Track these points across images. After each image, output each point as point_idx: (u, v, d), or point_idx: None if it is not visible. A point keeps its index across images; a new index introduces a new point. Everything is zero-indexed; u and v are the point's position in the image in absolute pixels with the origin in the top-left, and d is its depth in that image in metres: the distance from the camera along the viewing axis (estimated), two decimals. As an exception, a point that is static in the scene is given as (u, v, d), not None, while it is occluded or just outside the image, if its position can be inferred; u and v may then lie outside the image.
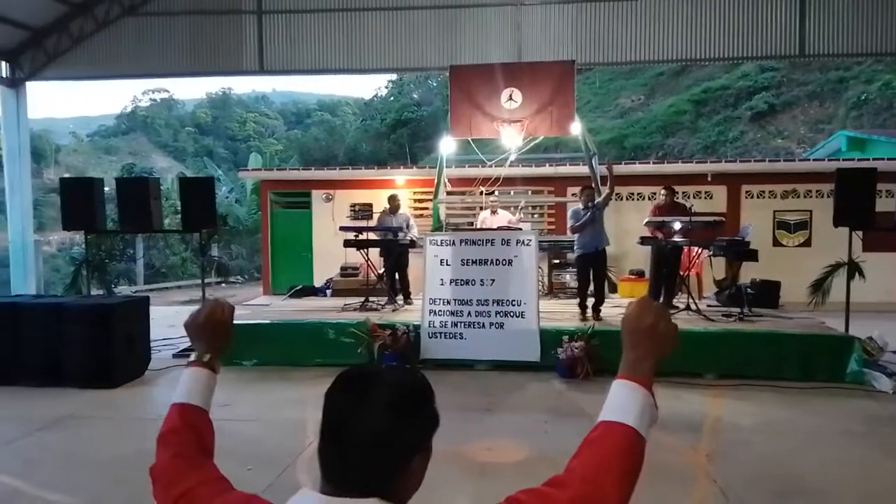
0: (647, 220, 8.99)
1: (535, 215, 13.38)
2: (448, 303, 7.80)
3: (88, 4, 13.27)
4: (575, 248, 8.53)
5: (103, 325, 7.27)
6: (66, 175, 11.33)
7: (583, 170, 10.93)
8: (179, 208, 10.31)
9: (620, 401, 1.08)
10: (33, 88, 14.24)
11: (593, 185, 9.30)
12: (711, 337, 7.33)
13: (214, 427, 1.30)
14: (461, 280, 7.83)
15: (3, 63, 13.56)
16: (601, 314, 8.16)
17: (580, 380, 6.98)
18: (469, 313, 7.76)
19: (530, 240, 7.89)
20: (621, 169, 11.95)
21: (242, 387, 6.98)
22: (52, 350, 7.19)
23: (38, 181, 22.21)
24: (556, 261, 11.11)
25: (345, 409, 1.03)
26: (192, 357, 1.34)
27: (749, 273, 10.05)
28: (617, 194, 10.43)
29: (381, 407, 1.01)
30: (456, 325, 7.76)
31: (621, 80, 31.08)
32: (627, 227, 11.32)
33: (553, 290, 10.90)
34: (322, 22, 13.15)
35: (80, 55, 13.70)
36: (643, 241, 9.16)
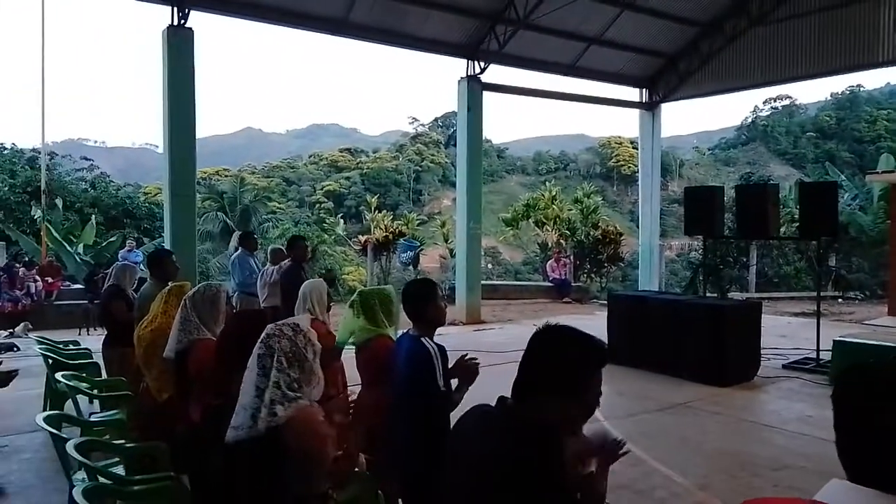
0: None
1: None
2: None
3: (717, 22, 14.07)
4: None
5: (716, 326, 7.67)
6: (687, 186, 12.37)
7: None
8: (796, 216, 9.92)
9: None
10: (663, 109, 16.01)
11: None
12: None
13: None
14: None
15: (642, 90, 15.70)
16: None
17: None
18: None
19: None
20: None
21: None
22: (669, 341, 7.98)
23: (663, 193, 24.83)
24: None
25: (863, 403, 1.08)
26: None
27: None
28: None
29: None
30: None
31: None
32: None
33: None
34: None
35: (707, 73, 14.67)
36: None
